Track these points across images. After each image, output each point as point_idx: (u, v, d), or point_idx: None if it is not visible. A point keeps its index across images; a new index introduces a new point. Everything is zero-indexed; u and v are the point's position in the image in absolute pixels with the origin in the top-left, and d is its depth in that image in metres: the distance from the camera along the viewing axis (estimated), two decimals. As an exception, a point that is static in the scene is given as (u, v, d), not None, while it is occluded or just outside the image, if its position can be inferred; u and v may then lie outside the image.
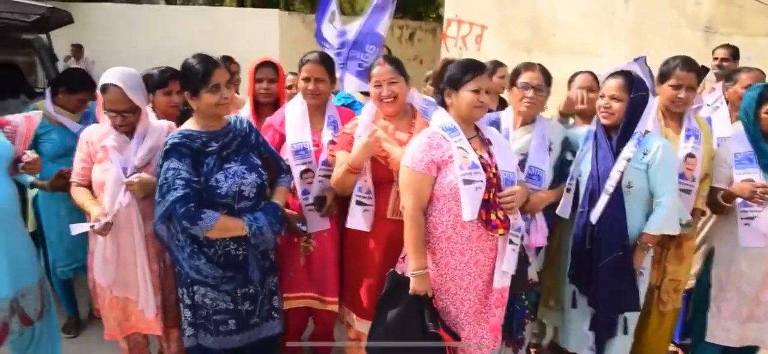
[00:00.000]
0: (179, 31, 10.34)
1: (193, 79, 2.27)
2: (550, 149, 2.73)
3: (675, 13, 4.97)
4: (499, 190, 2.30)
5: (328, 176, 2.69)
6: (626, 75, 2.58)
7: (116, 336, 2.66)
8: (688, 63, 2.74)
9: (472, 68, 2.31)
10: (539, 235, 2.63)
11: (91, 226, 2.33)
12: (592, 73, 3.06)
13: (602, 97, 2.59)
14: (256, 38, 9.92)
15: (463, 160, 2.22)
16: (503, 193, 2.28)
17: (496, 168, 2.32)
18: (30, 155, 2.46)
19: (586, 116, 2.98)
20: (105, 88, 2.40)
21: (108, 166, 2.41)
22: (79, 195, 2.53)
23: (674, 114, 2.84)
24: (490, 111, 3.28)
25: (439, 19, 10.50)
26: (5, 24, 3.70)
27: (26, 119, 2.52)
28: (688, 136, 2.76)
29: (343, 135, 2.67)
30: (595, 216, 2.54)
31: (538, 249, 2.75)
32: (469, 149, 2.27)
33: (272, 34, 10.51)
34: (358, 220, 2.57)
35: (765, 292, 2.76)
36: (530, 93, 2.68)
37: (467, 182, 2.19)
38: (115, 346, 2.81)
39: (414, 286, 2.29)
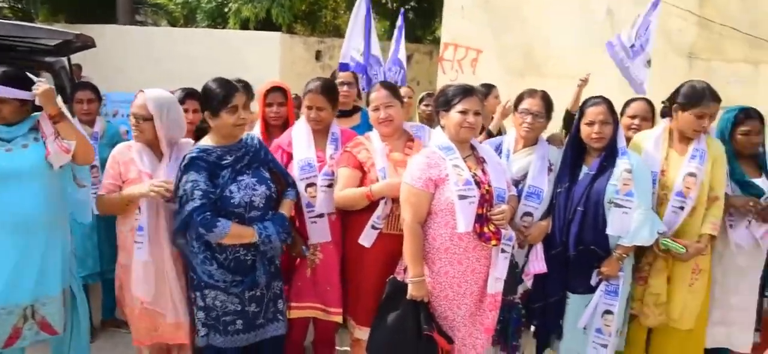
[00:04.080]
0: (181, 53, 10.46)
1: (214, 100, 2.49)
2: (550, 169, 2.90)
3: (661, 40, 5.23)
4: (491, 205, 2.49)
5: (331, 186, 2.84)
6: (607, 101, 2.77)
7: (145, 342, 2.77)
8: (714, 94, 2.78)
9: (461, 92, 2.53)
10: (539, 264, 2.79)
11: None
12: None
13: (591, 124, 2.72)
14: (258, 59, 10.05)
15: (458, 177, 2.43)
16: (494, 211, 2.48)
17: (489, 185, 2.52)
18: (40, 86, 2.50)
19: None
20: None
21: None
22: (113, 198, 2.66)
23: (686, 137, 2.85)
24: (491, 135, 3.50)
25: (436, 41, 10.69)
26: (29, 47, 3.88)
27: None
28: (693, 157, 2.78)
29: (345, 153, 2.85)
30: (615, 230, 2.67)
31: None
32: (464, 167, 2.47)
33: (273, 55, 10.64)
34: (369, 239, 2.73)
35: (734, 297, 2.97)
36: (529, 119, 2.85)
37: (462, 197, 2.39)
38: (127, 349, 2.89)
39: (412, 291, 2.48)
